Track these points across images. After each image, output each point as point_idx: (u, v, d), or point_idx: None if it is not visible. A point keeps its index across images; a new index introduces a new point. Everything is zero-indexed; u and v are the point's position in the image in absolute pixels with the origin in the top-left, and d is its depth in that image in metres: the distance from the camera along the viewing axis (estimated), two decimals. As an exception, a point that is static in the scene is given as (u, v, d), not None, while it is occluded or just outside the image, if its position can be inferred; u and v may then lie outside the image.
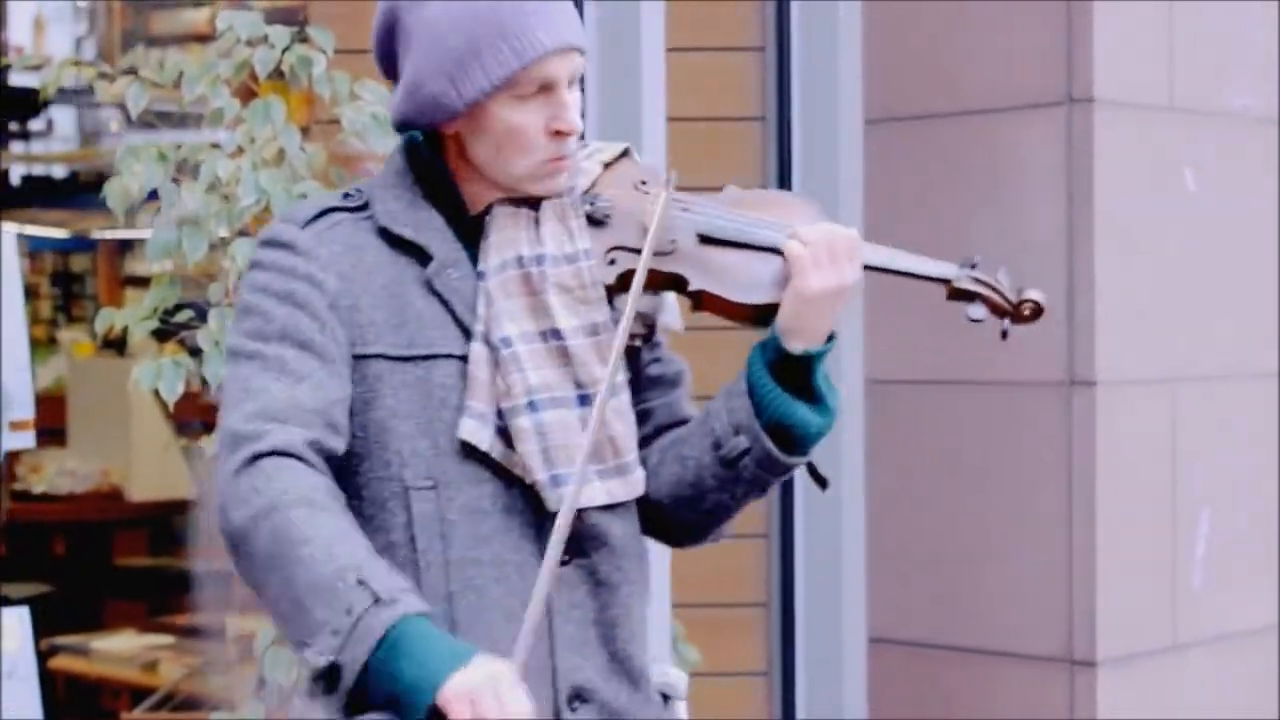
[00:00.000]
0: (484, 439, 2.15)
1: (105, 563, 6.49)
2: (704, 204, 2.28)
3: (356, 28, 3.94)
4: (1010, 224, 4.09)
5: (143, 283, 6.59)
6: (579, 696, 2.20)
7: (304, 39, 3.66)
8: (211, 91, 3.62)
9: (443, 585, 2.14)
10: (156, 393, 3.52)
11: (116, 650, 5.52)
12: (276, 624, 2.06)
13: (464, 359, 2.17)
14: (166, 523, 6.15)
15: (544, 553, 2.09)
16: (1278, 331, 4.45)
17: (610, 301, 2.23)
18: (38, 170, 8.57)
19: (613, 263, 2.23)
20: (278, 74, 3.64)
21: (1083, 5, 3.98)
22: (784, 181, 4.19)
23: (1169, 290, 4.16)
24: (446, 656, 1.95)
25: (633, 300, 2.16)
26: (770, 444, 2.23)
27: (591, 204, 2.25)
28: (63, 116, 8.67)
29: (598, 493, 2.20)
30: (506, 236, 2.21)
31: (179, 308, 3.66)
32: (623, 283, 2.22)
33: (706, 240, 2.25)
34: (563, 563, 2.15)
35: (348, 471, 2.15)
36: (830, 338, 2.24)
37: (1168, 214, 4.15)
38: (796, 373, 2.23)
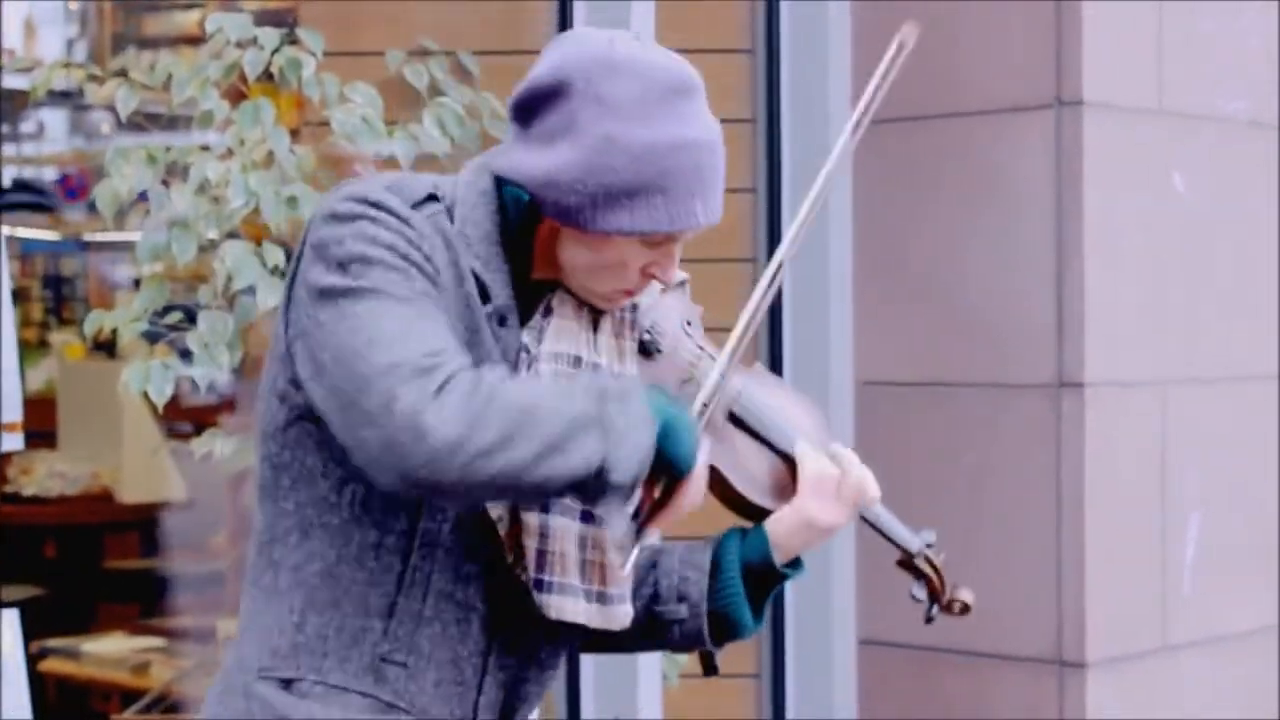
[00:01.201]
0: (496, 510, 2.13)
1: (96, 565, 6.48)
2: (742, 377, 2.29)
3: (346, 30, 3.97)
4: (999, 226, 4.09)
5: (133, 285, 6.58)
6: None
7: (293, 41, 3.66)
8: (201, 94, 3.62)
9: (418, 607, 2.12)
10: (146, 395, 3.52)
11: (107, 653, 5.52)
12: (532, 488, 2.00)
13: None
14: (157, 525, 6.15)
15: (494, 612, 2.15)
16: (1274, 334, 4.46)
17: None
18: (28, 172, 8.55)
19: None
20: (267, 76, 3.65)
21: (1071, 7, 3.98)
22: (774, 184, 4.19)
23: (1159, 293, 4.16)
24: (689, 429, 2.06)
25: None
26: (706, 629, 2.27)
27: (648, 333, 2.25)
28: (54, 119, 8.66)
29: (578, 609, 2.17)
30: (566, 327, 2.18)
31: (169, 310, 3.67)
32: None
33: (734, 419, 2.27)
34: (509, 631, 2.17)
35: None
36: (798, 563, 2.31)
37: (1157, 216, 4.16)
38: (760, 582, 2.29)
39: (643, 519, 2.08)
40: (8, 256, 3.78)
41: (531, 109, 2.14)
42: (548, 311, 2.18)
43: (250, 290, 3.52)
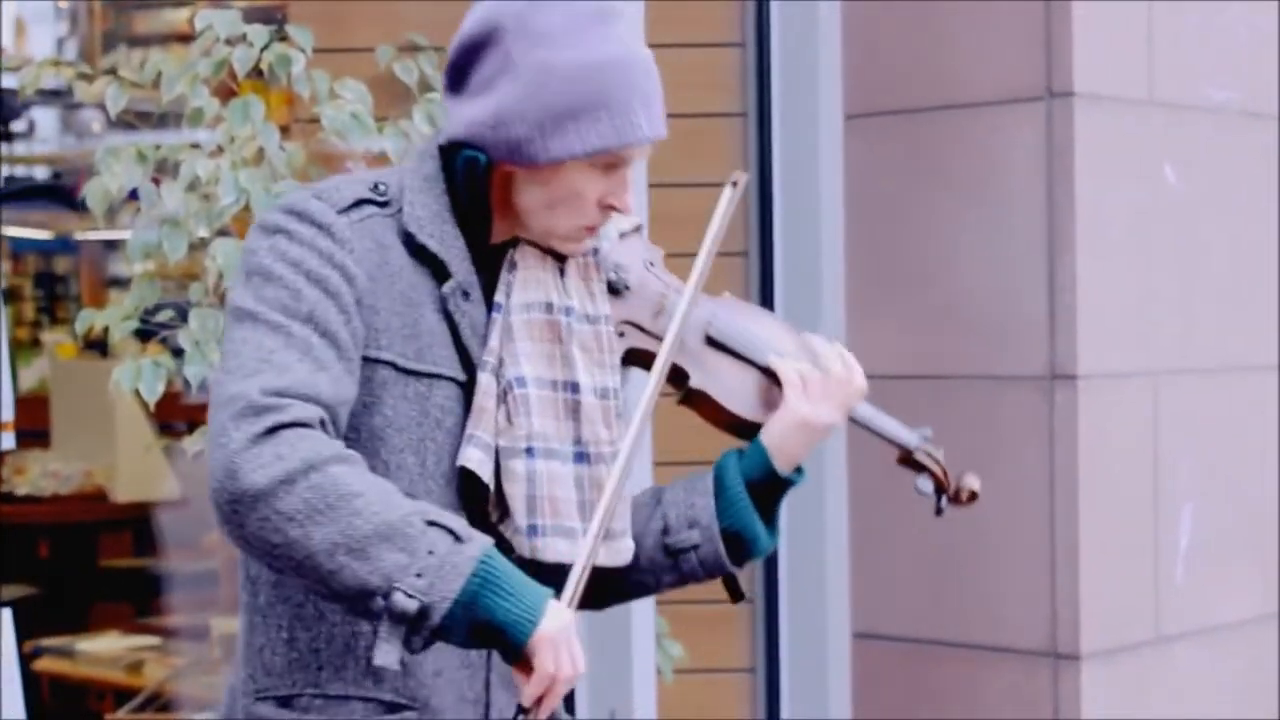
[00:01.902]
0: (486, 473, 2.14)
1: (89, 564, 6.48)
2: (713, 304, 2.33)
3: (336, 26, 3.96)
4: (991, 218, 4.09)
5: (126, 284, 6.58)
6: None
7: (283, 38, 3.65)
8: (191, 91, 3.61)
9: None
10: (138, 393, 3.52)
11: (101, 651, 5.51)
12: (310, 580, 1.99)
13: (462, 385, 2.16)
14: (150, 524, 6.14)
15: None
16: (1267, 325, 4.46)
17: None
18: (19, 171, 8.55)
19: (622, 335, 2.27)
20: (257, 73, 3.64)
21: (1061, 3, 3.98)
22: (765, 177, 4.19)
23: (1151, 284, 4.16)
24: (535, 596, 1.99)
25: (655, 383, 2.20)
26: (722, 548, 2.28)
27: (614, 272, 2.28)
28: (44, 117, 8.65)
29: (574, 550, 2.16)
30: (534, 277, 2.21)
31: (160, 308, 3.66)
32: (630, 356, 2.27)
33: (711, 342, 2.31)
34: None
35: None
36: (800, 470, 2.31)
37: (1149, 207, 4.16)
38: (765, 493, 2.30)
39: (527, 700, 2.02)
40: (-1, 256, 3.78)
41: (466, 65, 2.20)
42: (512, 267, 2.21)
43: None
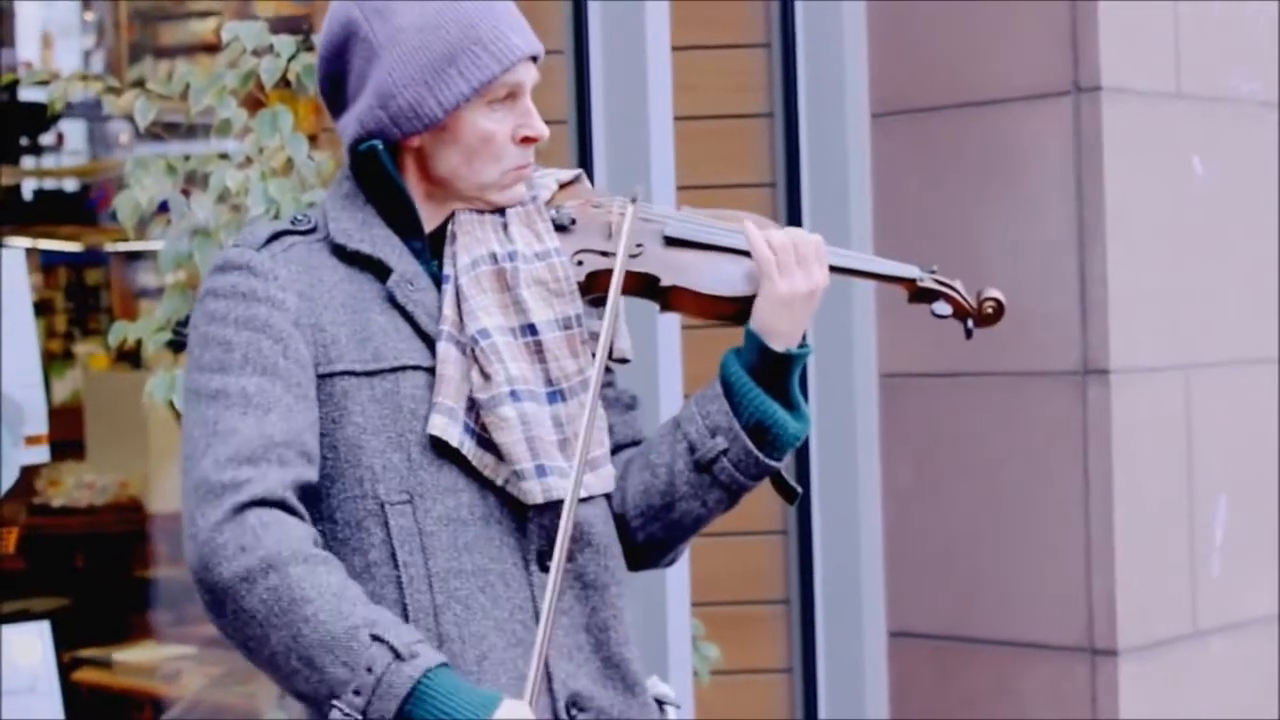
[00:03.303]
0: (453, 435, 2.14)
1: (126, 574, 6.48)
2: (666, 213, 2.32)
3: (362, 35, 3.96)
4: (1019, 215, 4.09)
5: (157, 295, 6.60)
6: (576, 704, 2.19)
7: (309, 47, 3.66)
8: (218, 102, 3.62)
9: (428, 599, 2.13)
10: (171, 404, 3.53)
11: (139, 661, 5.53)
12: (275, 679, 2.05)
13: (431, 370, 2.16)
14: (186, 533, 6.14)
15: (526, 558, 2.15)
16: (1291, 315, 4.45)
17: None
18: (49, 185, 8.57)
19: (580, 264, 2.26)
20: (284, 83, 3.65)
21: (1087, -6, 3.98)
22: (793, 178, 4.19)
23: (1181, 277, 4.15)
24: (475, 706, 1.98)
25: (614, 294, 2.19)
26: (750, 443, 2.24)
27: (556, 211, 2.29)
28: (73, 130, 8.67)
29: (566, 486, 2.15)
30: (474, 238, 2.22)
31: (191, 318, 3.67)
32: (593, 281, 2.25)
33: (672, 242, 2.29)
34: (543, 569, 2.16)
35: (319, 495, 2.14)
36: (803, 344, 2.26)
37: (1178, 200, 4.15)
38: (774, 376, 2.25)
39: None
40: (30, 269, 3.79)
41: (337, 73, 2.23)
42: (453, 239, 2.22)
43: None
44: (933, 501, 4.24)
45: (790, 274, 2.23)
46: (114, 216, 3.67)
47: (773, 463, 2.26)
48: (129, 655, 5.58)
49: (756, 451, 2.24)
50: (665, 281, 2.26)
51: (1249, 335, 4.32)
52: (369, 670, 1.97)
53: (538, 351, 2.19)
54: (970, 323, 2.39)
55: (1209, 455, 4.18)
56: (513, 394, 2.15)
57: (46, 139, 8.38)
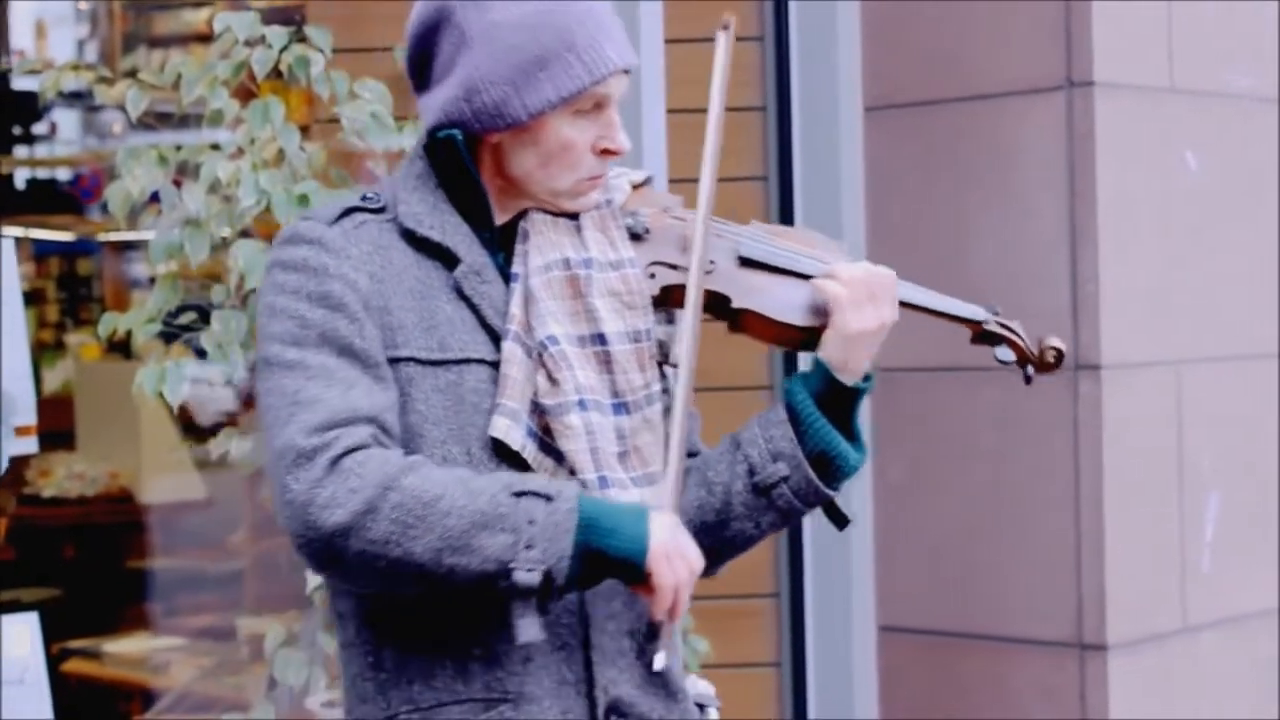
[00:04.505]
0: (515, 438, 2.13)
1: (115, 566, 6.48)
2: (739, 229, 2.31)
3: (354, 26, 3.96)
4: (1012, 209, 4.09)
5: (148, 285, 6.62)
6: (616, 710, 2.18)
7: (302, 38, 3.65)
8: (210, 93, 3.62)
9: (479, 598, 2.11)
10: (161, 395, 3.52)
11: (128, 653, 5.53)
12: (429, 588, 2.03)
13: (495, 364, 2.15)
14: (176, 525, 6.15)
15: None
16: (1283, 312, 4.45)
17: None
18: (42, 174, 8.57)
19: (653, 276, 2.24)
20: (276, 74, 3.64)
21: (1080, -11, 3.98)
22: (785, 171, 4.19)
23: (1173, 272, 4.15)
24: (635, 520, 2.04)
25: (692, 312, 2.18)
26: (812, 473, 2.24)
27: (631, 218, 2.27)
28: (66, 120, 8.67)
29: (633, 498, 2.16)
30: (548, 240, 2.20)
31: (182, 309, 3.67)
32: (667, 295, 2.24)
33: (745, 263, 2.27)
34: None
35: None
36: (868, 376, 2.27)
37: (1170, 196, 4.15)
38: (837, 407, 2.25)
39: (652, 617, 2.09)
40: (21, 259, 3.78)
41: (424, 57, 2.21)
42: (524, 237, 2.21)
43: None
44: (923, 496, 4.24)
45: (862, 310, 2.24)
46: (105, 207, 3.67)
47: (831, 492, 2.28)
48: (118, 646, 5.58)
49: (817, 480, 2.25)
50: (736, 303, 2.25)
51: (1241, 331, 4.32)
52: (531, 523, 2.00)
53: (606, 362, 2.18)
54: (1030, 369, 2.41)
55: (1199, 450, 4.18)
56: (580, 403, 2.14)
57: (39, 128, 8.38)
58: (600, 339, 2.18)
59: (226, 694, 4.85)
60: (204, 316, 3.62)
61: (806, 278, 2.27)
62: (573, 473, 2.14)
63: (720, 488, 2.27)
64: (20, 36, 7.99)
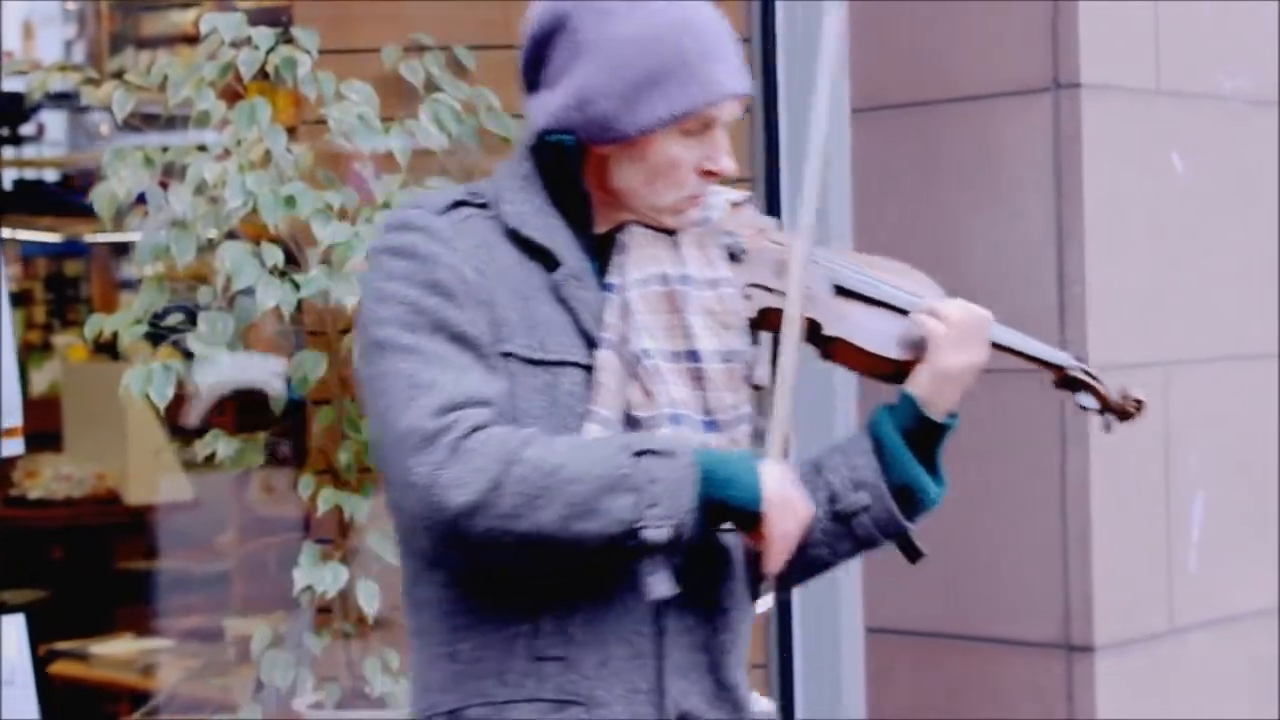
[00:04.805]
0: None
1: (103, 567, 6.48)
2: (835, 257, 2.33)
3: (341, 28, 3.96)
4: (999, 211, 4.09)
5: (136, 286, 6.61)
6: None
7: (288, 40, 3.66)
8: (197, 94, 3.62)
9: (564, 596, 2.12)
10: (148, 397, 3.52)
11: (115, 654, 5.52)
12: (556, 558, 2.05)
13: (589, 369, 2.15)
14: (163, 526, 6.14)
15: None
16: (1274, 313, 4.45)
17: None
18: (29, 175, 8.55)
19: (749, 298, 2.25)
20: (263, 75, 3.64)
21: (1067, -9, 3.98)
22: (772, 173, 4.18)
23: (1160, 273, 4.16)
24: (748, 469, 2.09)
25: (790, 336, 2.21)
26: (894, 504, 2.27)
27: (729, 238, 2.27)
28: (53, 121, 8.65)
29: None
30: (647, 254, 2.20)
31: (169, 311, 3.67)
32: (763, 318, 2.25)
33: (841, 291, 2.29)
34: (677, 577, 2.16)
35: None
36: (953, 415, 2.30)
37: (1158, 197, 4.15)
38: (922, 442, 2.29)
39: (758, 564, 2.14)
40: (8, 260, 3.79)
41: (539, 59, 2.19)
42: (623, 249, 2.21)
43: (249, 290, 3.52)
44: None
45: (959, 349, 2.27)
46: (91, 208, 3.67)
47: (907, 525, 2.31)
48: (105, 648, 5.57)
49: (898, 514, 2.29)
50: (829, 330, 2.27)
51: (1228, 333, 4.33)
52: (653, 481, 2.02)
53: (698, 378, 2.18)
54: (1111, 418, 2.46)
55: (1187, 452, 4.19)
56: (673, 417, 2.15)
57: (26, 129, 8.36)
58: (694, 355, 2.18)
59: (213, 695, 4.84)
60: (191, 318, 3.62)
61: (900, 311, 2.30)
62: None
63: None
64: (7, 37, 7.97)
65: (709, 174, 2.20)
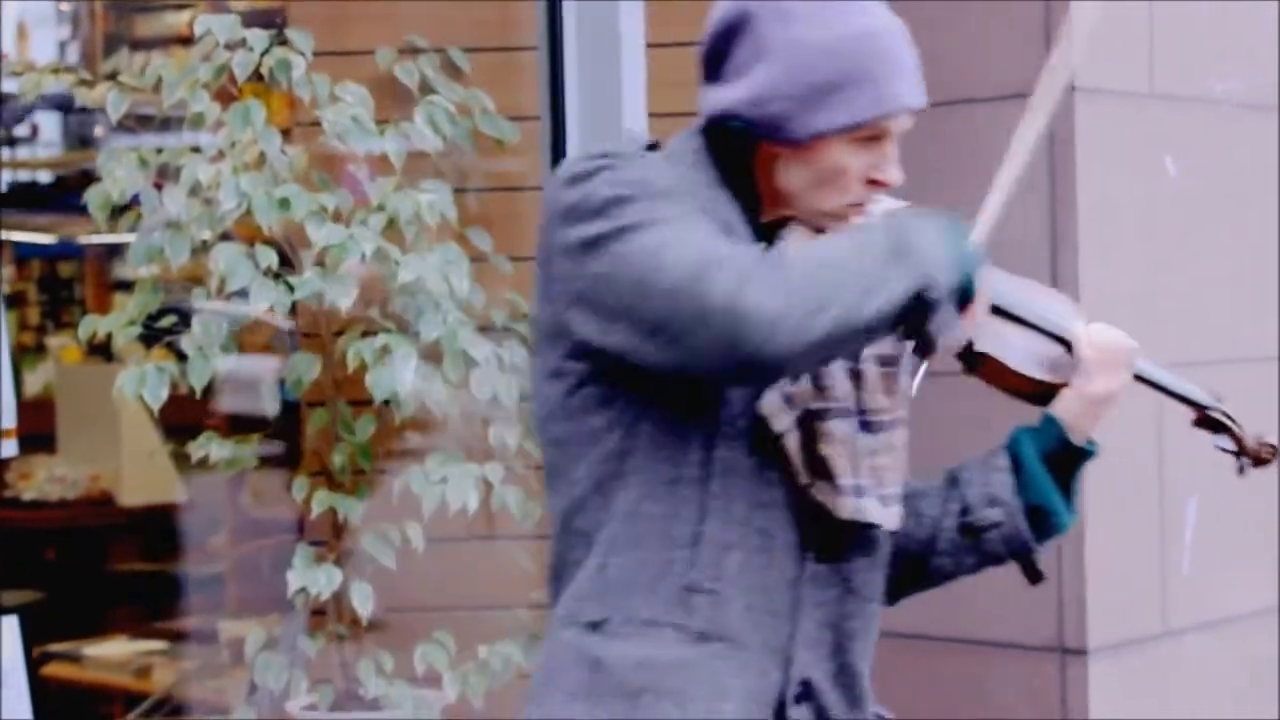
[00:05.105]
0: (783, 423, 2.13)
1: (96, 569, 6.48)
2: (993, 275, 2.33)
3: (335, 29, 3.96)
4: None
5: (130, 288, 6.62)
6: (806, 690, 2.20)
7: (283, 41, 3.66)
8: (191, 96, 3.62)
9: (720, 536, 2.12)
10: (141, 398, 3.52)
11: (109, 656, 5.52)
12: (867, 333, 2.03)
13: None
14: (157, 528, 6.14)
15: (804, 544, 2.16)
16: (1271, 316, 4.46)
17: None
18: (23, 176, 8.56)
19: None
20: (257, 77, 3.65)
21: (1061, -6, 3.98)
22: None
23: (1154, 277, 4.16)
24: (956, 229, 2.16)
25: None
26: (1025, 525, 2.31)
27: None
28: (48, 122, 8.66)
29: (873, 511, 2.19)
30: None
31: (163, 312, 3.67)
32: None
33: (994, 310, 2.31)
34: (819, 559, 2.18)
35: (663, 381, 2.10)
36: (1091, 442, 2.34)
37: (1153, 201, 4.15)
38: (1061, 467, 2.32)
39: (920, 344, 2.13)
40: (3, 261, 3.79)
41: (720, 54, 2.20)
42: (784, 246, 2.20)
43: (244, 292, 3.52)
44: (905, 500, 4.24)
45: (1106, 375, 2.31)
46: (85, 209, 3.67)
47: (1036, 547, 2.34)
48: (99, 650, 5.57)
49: (1028, 533, 2.32)
50: (979, 347, 2.30)
51: (1221, 335, 4.33)
52: (918, 234, 2.07)
53: (856, 377, 2.20)
54: (1246, 462, 2.50)
55: (1180, 454, 4.19)
56: (840, 411, 2.16)
57: (20, 130, 8.36)
58: (853, 355, 2.19)
59: (207, 697, 4.85)
60: (185, 319, 3.62)
61: (1048, 334, 2.33)
62: (828, 478, 2.16)
63: (929, 521, 2.34)
64: (2, 39, 7.97)
65: (875, 183, 2.22)
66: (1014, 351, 2.31)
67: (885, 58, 2.18)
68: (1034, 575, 2.39)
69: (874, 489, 2.19)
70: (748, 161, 2.20)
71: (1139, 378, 2.40)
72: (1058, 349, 2.33)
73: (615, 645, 2.12)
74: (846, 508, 2.16)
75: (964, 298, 2.10)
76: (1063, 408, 2.31)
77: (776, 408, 2.13)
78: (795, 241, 2.18)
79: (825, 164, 2.17)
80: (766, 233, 2.21)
